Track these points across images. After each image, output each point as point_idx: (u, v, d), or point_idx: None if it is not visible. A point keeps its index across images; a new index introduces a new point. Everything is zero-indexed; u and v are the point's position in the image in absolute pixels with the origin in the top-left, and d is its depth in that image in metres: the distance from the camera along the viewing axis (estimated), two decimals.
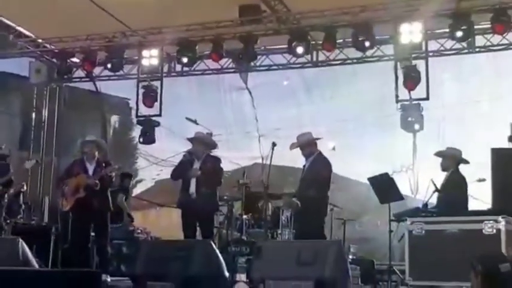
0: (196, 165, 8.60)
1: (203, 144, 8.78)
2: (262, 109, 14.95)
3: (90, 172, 8.64)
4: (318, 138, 8.66)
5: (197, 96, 15.01)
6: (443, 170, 8.54)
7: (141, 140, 12.51)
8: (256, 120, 14.44)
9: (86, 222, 8.64)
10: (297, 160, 9.27)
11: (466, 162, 8.49)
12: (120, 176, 12.00)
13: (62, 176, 9.13)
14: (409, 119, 10.52)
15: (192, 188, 8.50)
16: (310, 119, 14.75)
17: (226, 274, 7.10)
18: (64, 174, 9.05)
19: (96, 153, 8.78)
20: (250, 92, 14.37)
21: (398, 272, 8.66)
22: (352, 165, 14.52)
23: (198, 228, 8.62)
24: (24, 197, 10.58)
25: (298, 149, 8.67)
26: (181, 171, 8.72)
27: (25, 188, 10.10)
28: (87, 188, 8.49)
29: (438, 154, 8.69)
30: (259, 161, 9.70)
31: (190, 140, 8.83)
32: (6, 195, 9.41)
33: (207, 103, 15.52)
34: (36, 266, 7.68)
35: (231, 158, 15.18)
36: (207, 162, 8.61)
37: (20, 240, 7.31)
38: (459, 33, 10.05)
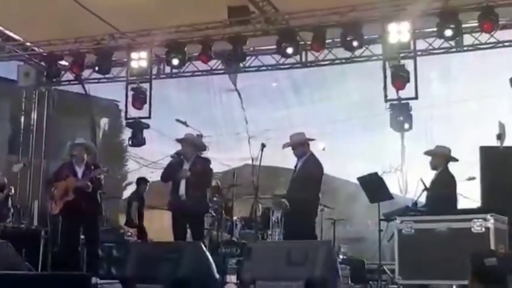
0: (186, 166, 8.57)
1: (192, 145, 8.76)
2: (251, 110, 14.96)
3: (79, 175, 8.62)
4: (311, 139, 8.61)
5: (186, 98, 15.02)
6: (433, 168, 8.55)
7: (130, 142, 12.48)
8: (246, 122, 14.44)
9: (75, 225, 8.62)
10: (287, 161, 9.27)
11: (455, 160, 8.52)
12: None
13: (50, 179, 9.11)
14: (399, 118, 10.53)
15: (182, 189, 8.47)
16: (300, 120, 14.79)
17: (217, 276, 7.10)
18: (53, 177, 9.03)
19: (85, 156, 8.77)
20: (239, 94, 14.37)
21: (388, 271, 8.68)
22: (342, 165, 14.56)
23: (188, 230, 8.60)
24: (12, 200, 10.54)
25: (290, 148, 8.64)
26: (170, 172, 8.68)
27: (13, 191, 10.04)
28: (76, 190, 8.48)
29: (428, 153, 8.70)
30: (250, 162, 9.69)
31: (180, 141, 8.81)
32: None
33: (196, 105, 15.54)
34: (26, 269, 7.65)
35: (221, 159, 15.20)
36: (196, 164, 8.58)
37: (9, 244, 7.27)
38: (447, 32, 10.05)
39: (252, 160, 9.32)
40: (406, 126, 10.61)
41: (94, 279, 7.87)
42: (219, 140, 15.65)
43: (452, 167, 8.54)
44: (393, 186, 10.72)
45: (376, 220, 9.16)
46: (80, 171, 8.65)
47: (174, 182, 8.60)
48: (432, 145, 9.04)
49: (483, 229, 6.91)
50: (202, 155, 9.07)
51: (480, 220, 6.95)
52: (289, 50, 10.92)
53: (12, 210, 10.49)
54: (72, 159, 8.78)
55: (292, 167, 8.72)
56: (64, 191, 8.53)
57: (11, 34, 12.28)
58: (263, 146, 8.55)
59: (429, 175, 8.56)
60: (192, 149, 8.73)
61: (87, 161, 8.78)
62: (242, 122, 14.61)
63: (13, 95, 14.04)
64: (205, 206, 8.79)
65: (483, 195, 8.87)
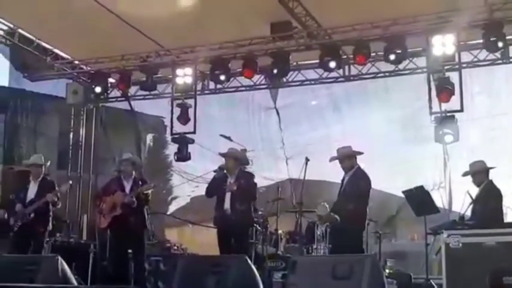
0: (230, 181, 8.62)
1: (235, 159, 8.79)
2: (291, 129, 14.85)
3: (127, 190, 8.77)
4: (359, 152, 8.52)
5: (227, 116, 14.99)
6: (478, 186, 8.48)
7: (176, 157, 12.61)
8: (282, 143, 14.42)
9: (123, 239, 8.75)
10: (327, 175, 9.17)
11: (492, 167, 8.42)
12: None
13: (99, 194, 9.28)
14: (444, 131, 10.39)
15: (227, 204, 8.51)
16: (341, 136, 14.59)
17: None
18: (101, 192, 9.21)
19: (133, 171, 8.91)
20: (278, 113, 14.39)
21: (436, 285, 8.56)
22: (384, 180, 14.31)
23: (234, 244, 8.63)
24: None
25: (334, 163, 8.60)
26: (215, 187, 8.75)
27: (60, 205, 10.20)
28: (124, 205, 8.62)
29: (466, 174, 8.65)
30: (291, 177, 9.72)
31: (223, 155, 8.87)
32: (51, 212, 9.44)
33: (236, 123, 15.49)
34: (75, 283, 7.80)
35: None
36: (240, 178, 8.62)
37: (59, 257, 7.43)
38: (493, 44, 9.95)
39: (291, 181, 9.35)
40: (451, 138, 10.45)
41: None
42: (257, 157, 15.58)
43: (499, 180, 8.43)
44: (437, 200, 10.57)
45: (422, 234, 9.05)
46: (128, 186, 8.80)
47: (219, 197, 8.64)
48: (474, 158, 8.94)
49: None
50: (246, 170, 9.12)
51: None
52: (332, 64, 10.93)
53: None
54: (120, 174, 8.94)
55: (330, 181, 8.67)
56: (112, 205, 8.69)
57: (60, 53, 12.62)
58: (307, 160, 8.58)
59: (474, 187, 8.48)
60: (235, 163, 8.76)
61: (135, 176, 8.93)
62: (280, 143, 14.58)
63: (62, 112, 14.32)
64: (250, 219, 8.83)
65: None
